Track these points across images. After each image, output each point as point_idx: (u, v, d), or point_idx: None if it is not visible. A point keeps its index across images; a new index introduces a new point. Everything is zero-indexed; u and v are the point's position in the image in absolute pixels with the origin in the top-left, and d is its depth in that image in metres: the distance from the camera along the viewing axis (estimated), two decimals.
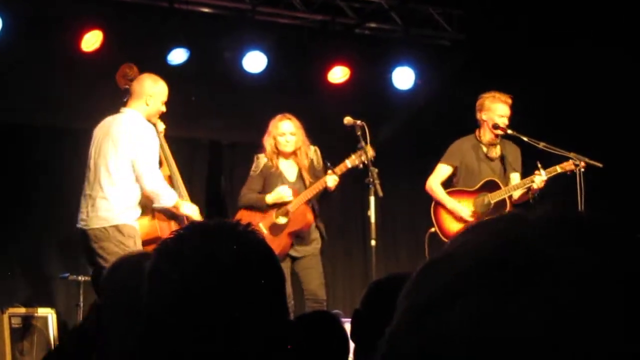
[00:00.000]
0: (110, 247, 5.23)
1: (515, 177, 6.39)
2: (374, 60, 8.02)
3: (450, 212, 6.37)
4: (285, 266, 6.14)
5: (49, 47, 6.70)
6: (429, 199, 6.50)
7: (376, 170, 5.99)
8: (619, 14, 7.17)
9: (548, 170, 6.14)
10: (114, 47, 6.80)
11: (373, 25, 8.20)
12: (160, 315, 1.40)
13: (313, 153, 6.39)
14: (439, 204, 6.42)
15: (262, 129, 6.52)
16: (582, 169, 6.06)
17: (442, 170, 6.47)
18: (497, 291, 0.61)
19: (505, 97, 6.31)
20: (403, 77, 7.93)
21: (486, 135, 6.38)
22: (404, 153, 8.06)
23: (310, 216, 6.28)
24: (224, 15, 7.67)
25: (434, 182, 6.45)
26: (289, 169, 6.37)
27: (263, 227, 6.17)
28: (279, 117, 6.32)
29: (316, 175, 6.34)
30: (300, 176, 6.36)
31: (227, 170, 7.96)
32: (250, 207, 6.33)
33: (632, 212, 6.69)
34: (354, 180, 6.50)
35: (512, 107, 6.39)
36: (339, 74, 7.89)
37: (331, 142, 6.65)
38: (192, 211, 5.57)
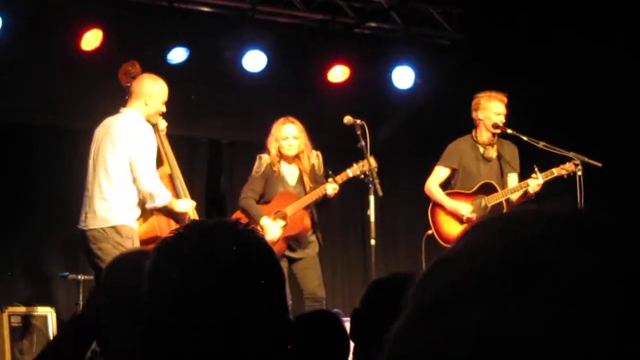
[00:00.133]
0: (108, 248, 5.23)
1: (512, 178, 6.38)
2: (374, 60, 8.02)
3: (450, 213, 6.36)
4: (283, 267, 6.14)
5: (49, 46, 6.70)
6: (428, 198, 6.50)
7: (376, 169, 6.00)
8: (618, 13, 7.17)
9: (544, 173, 6.14)
10: (114, 46, 6.80)
11: (373, 24, 8.20)
12: (160, 315, 1.40)
13: (315, 157, 6.38)
14: (436, 206, 6.42)
15: (262, 128, 6.51)
16: (579, 172, 6.05)
17: (440, 173, 6.47)
18: (499, 291, 0.62)
19: (501, 95, 6.31)
20: (403, 77, 7.93)
21: (483, 135, 6.38)
22: (404, 152, 8.06)
23: (307, 222, 6.28)
24: (223, 14, 7.67)
25: (432, 184, 6.45)
26: (290, 172, 6.37)
27: (260, 229, 6.16)
28: (282, 120, 6.30)
29: (317, 180, 6.34)
30: (300, 180, 6.36)
31: (227, 169, 7.96)
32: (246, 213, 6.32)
33: (632, 211, 6.68)
34: (353, 179, 6.50)
35: (511, 107, 6.40)
36: (338, 73, 7.89)
37: (331, 142, 6.66)
38: (186, 207, 5.56)
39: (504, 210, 6.21)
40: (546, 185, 6.18)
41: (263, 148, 6.41)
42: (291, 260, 6.32)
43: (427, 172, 6.54)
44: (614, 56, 7.17)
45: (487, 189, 6.30)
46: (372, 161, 6.03)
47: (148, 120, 5.59)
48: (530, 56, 7.65)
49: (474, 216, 6.25)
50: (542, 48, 7.60)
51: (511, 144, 6.47)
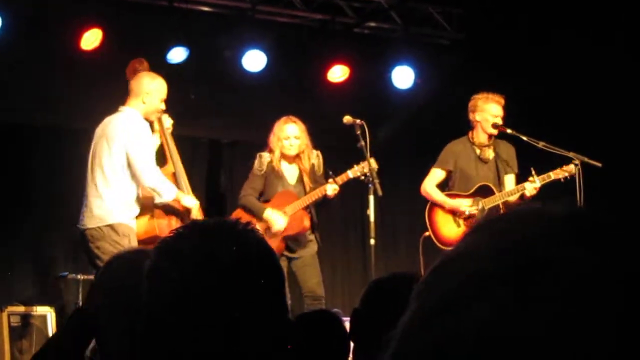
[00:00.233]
0: (105, 246, 5.25)
1: (509, 179, 6.38)
2: (374, 60, 8.02)
3: (448, 213, 6.36)
4: (282, 266, 6.13)
5: (49, 46, 6.70)
6: (442, 188, 6.48)
7: (376, 169, 6.00)
8: (618, 13, 7.17)
9: (541, 176, 6.14)
10: (114, 46, 6.80)
11: (372, 24, 8.20)
12: (160, 314, 1.40)
13: (315, 157, 6.39)
14: (433, 207, 6.42)
15: (262, 128, 6.52)
16: (576, 176, 6.05)
17: (436, 174, 6.47)
18: (500, 291, 0.62)
19: (498, 97, 6.31)
20: (402, 76, 7.93)
21: (479, 136, 6.37)
22: (404, 152, 8.06)
23: (307, 222, 6.28)
24: (223, 14, 7.67)
25: (429, 185, 6.44)
26: (290, 171, 6.37)
27: (259, 228, 6.15)
28: (284, 119, 6.30)
29: (316, 180, 6.34)
30: (300, 179, 6.36)
31: (227, 168, 7.96)
32: (247, 210, 6.33)
33: (632, 211, 6.68)
34: (353, 179, 6.50)
35: (511, 106, 6.40)
36: (338, 73, 7.89)
37: (330, 142, 6.66)
38: (192, 204, 5.56)
39: (501, 212, 6.20)
40: (546, 185, 6.18)
41: (264, 147, 6.41)
42: (290, 259, 6.32)
43: (427, 172, 6.54)
44: (614, 56, 7.17)
45: (484, 191, 6.30)
46: (373, 162, 6.04)
47: (147, 118, 5.59)
48: (530, 56, 7.65)
49: (475, 210, 6.25)
50: (542, 48, 7.60)
51: (508, 144, 6.46)
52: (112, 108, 5.63)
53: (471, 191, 6.33)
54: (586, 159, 6.14)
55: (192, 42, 7.16)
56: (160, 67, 6.18)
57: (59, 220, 6.84)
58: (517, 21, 7.74)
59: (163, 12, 7.29)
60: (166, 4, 7.27)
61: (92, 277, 5.93)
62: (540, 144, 6.25)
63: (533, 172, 6.13)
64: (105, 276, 2.19)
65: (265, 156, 6.35)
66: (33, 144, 7.06)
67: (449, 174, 6.43)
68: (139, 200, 5.46)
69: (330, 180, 6.18)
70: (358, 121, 6.04)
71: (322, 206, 6.41)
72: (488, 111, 6.29)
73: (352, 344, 2.50)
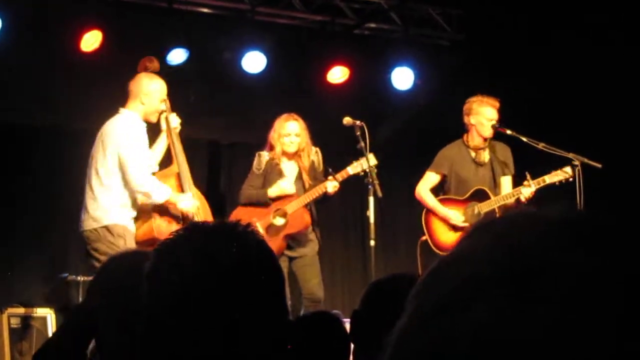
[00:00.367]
0: (102, 248, 5.26)
1: (505, 181, 6.38)
2: (373, 61, 8.02)
3: (442, 220, 6.36)
4: (283, 266, 6.15)
5: (49, 47, 6.70)
6: (438, 192, 6.49)
7: (375, 170, 6.00)
8: (618, 13, 7.17)
9: (536, 180, 6.14)
10: (114, 47, 6.80)
11: (372, 25, 8.20)
12: (160, 317, 1.40)
13: (314, 154, 6.40)
14: (430, 212, 6.42)
15: (262, 129, 6.52)
16: (571, 179, 6.06)
17: (431, 178, 6.47)
18: (497, 294, 0.62)
19: (492, 100, 6.31)
20: (402, 77, 7.93)
21: (474, 139, 6.37)
22: (404, 153, 8.06)
23: (307, 219, 6.29)
24: (223, 16, 7.67)
25: (423, 190, 6.44)
26: (289, 169, 6.38)
27: (260, 227, 6.17)
28: (285, 116, 6.31)
29: (316, 177, 6.35)
30: (299, 177, 6.37)
31: (226, 170, 7.95)
32: (249, 205, 6.32)
33: (631, 212, 6.68)
34: (353, 180, 6.50)
35: (511, 107, 6.40)
36: (338, 74, 7.89)
37: (330, 143, 6.66)
38: (188, 206, 5.54)
39: (497, 216, 6.20)
40: (547, 186, 6.17)
41: (263, 146, 6.41)
42: (291, 259, 6.32)
43: (422, 174, 6.55)
44: (614, 57, 7.17)
45: (480, 195, 6.30)
46: (372, 158, 6.04)
47: (147, 119, 5.58)
48: (530, 57, 7.65)
49: (466, 225, 6.25)
50: (542, 49, 7.60)
51: (504, 145, 6.46)
52: (111, 109, 5.64)
53: (467, 195, 6.33)
54: (586, 160, 6.14)
55: (191, 44, 7.16)
56: (160, 68, 6.17)
57: (59, 221, 6.84)
58: (517, 22, 7.75)
59: (163, 14, 7.29)
60: (166, 5, 7.28)
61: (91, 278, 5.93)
62: (540, 145, 6.25)
63: (528, 177, 6.14)
64: (102, 277, 2.19)
65: (264, 155, 6.35)
66: (32, 144, 7.06)
67: (444, 178, 6.44)
68: (136, 202, 5.46)
69: (330, 177, 6.19)
70: (358, 122, 6.04)
71: (321, 203, 6.41)
72: (483, 114, 6.29)
73: (352, 345, 2.50)
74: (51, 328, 6.24)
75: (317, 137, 6.52)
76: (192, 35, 7.23)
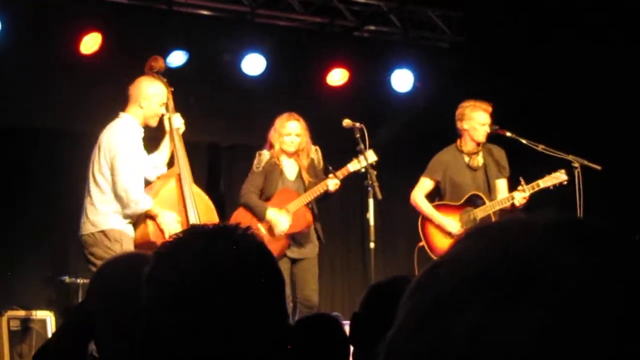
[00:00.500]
0: (98, 252, 5.27)
1: (501, 184, 6.39)
2: (373, 63, 8.02)
3: (438, 227, 6.37)
4: (285, 267, 6.15)
5: (48, 50, 6.70)
6: (434, 197, 6.49)
7: (375, 172, 6.00)
8: (618, 14, 7.17)
9: (530, 185, 6.14)
10: (113, 50, 6.80)
11: (372, 27, 8.20)
12: (159, 319, 1.40)
13: (314, 152, 6.41)
14: (426, 218, 6.43)
15: (261, 131, 6.52)
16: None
17: (425, 184, 6.49)
18: (495, 299, 0.62)
19: (485, 105, 6.32)
20: (402, 80, 7.93)
21: (468, 144, 6.38)
22: (403, 155, 8.05)
23: (309, 217, 6.30)
24: (222, 18, 7.67)
25: (418, 196, 6.45)
26: (289, 167, 6.39)
27: (262, 228, 6.17)
28: (286, 115, 6.32)
29: (316, 174, 6.36)
30: (300, 175, 6.38)
31: (226, 172, 7.95)
32: (249, 209, 6.33)
33: (630, 215, 6.68)
34: (353, 183, 6.50)
35: (510, 109, 6.41)
36: (337, 77, 7.90)
37: (330, 145, 6.65)
38: (168, 224, 5.46)
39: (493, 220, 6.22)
40: (541, 190, 6.17)
41: (265, 144, 6.41)
42: (293, 261, 6.32)
43: (417, 180, 6.56)
44: (614, 60, 7.17)
45: (475, 201, 6.31)
46: (373, 155, 6.05)
47: (147, 123, 5.57)
48: (530, 59, 7.66)
49: (459, 231, 6.26)
50: (542, 51, 7.60)
51: (499, 148, 6.47)
52: (111, 111, 5.63)
53: (462, 201, 6.34)
54: (586, 162, 6.14)
55: (191, 46, 7.15)
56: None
57: (58, 223, 6.83)
58: (517, 24, 7.75)
59: (162, 16, 7.29)
60: (165, 7, 7.28)
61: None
62: (540, 147, 6.26)
63: (522, 182, 6.15)
64: (98, 281, 2.19)
65: (265, 154, 6.35)
66: (32, 146, 7.05)
67: (437, 184, 6.45)
68: None
69: (331, 175, 6.19)
70: (357, 124, 6.04)
71: (322, 201, 6.42)
72: (475, 119, 6.30)
73: (351, 348, 2.50)
74: (51, 330, 6.24)
75: (316, 139, 6.52)
76: (192, 38, 7.23)
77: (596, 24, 7.18)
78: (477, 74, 7.74)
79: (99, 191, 5.40)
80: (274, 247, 5.94)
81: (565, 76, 7.42)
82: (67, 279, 6.56)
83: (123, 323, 1.88)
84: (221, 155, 8.03)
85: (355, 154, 6.14)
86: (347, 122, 6.08)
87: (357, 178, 6.24)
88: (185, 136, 5.88)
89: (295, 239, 6.32)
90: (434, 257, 6.24)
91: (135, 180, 5.41)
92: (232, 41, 7.48)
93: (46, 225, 7.04)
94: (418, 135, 7.96)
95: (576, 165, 6.12)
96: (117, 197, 5.37)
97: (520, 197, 6.13)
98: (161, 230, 5.47)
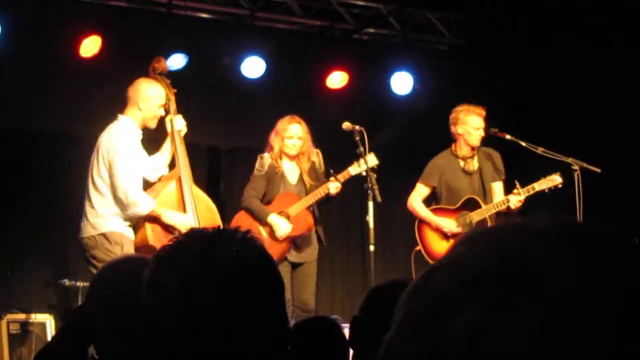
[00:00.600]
0: (99, 255, 5.27)
1: (497, 187, 6.39)
2: (373, 66, 8.02)
3: (435, 230, 6.38)
4: (285, 271, 6.15)
5: (48, 53, 6.70)
6: (430, 202, 6.51)
7: (375, 175, 6.01)
8: (617, 16, 7.17)
9: (526, 188, 6.15)
10: (113, 53, 6.80)
11: (371, 30, 8.21)
12: (159, 323, 1.40)
13: (315, 155, 6.41)
14: (422, 223, 6.44)
15: (261, 134, 6.52)
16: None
17: (421, 190, 6.50)
18: (494, 300, 0.62)
19: (479, 109, 6.32)
20: (401, 82, 7.93)
21: (462, 149, 6.39)
22: (403, 158, 8.05)
23: (310, 220, 6.30)
24: (222, 21, 7.68)
25: (415, 201, 6.47)
26: (291, 170, 6.38)
27: (263, 231, 6.17)
28: (288, 118, 6.31)
29: (317, 177, 6.36)
30: (301, 179, 6.38)
31: (226, 176, 7.95)
32: (251, 213, 6.32)
33: (630, 217, 6.68)
34: (353, 185, 6.51)
35: (510, 112, 6.41)
36: (337, 79, 7.90)
37: (330, 148, 6.65)
38: (178, 221, 5.50)
39: (489, 224, 6.23)
40: (536, 193, 6.18)
41: (266, 147, 6.40)
42: (293, 265, 6.32)
43: (413, 186, 6.57)
44: (613, 62, 7.17)
45: (472, 204, 6.32)
46: (374, 158, 6.06)
47: (145, 125, 5.57)
48: (529, 61, 7.66)
49: (458, 231, 6.27)
50: (541, 54, 7.61)
51: (494, 151, 6.47)
52: (110, 114, 5.63)
53: (458, 205, 6.35)
54: (585, 165, 6.14)
55: (191, 49, 7.15)
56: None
57: (58, 226, 6.83)
58: (516, 27, 7.75)
59: (162, 19, 7.29)
60: (165, 10, 7.28)
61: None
62: (540, 150, 6.26)
63: (517, 185, 6.15)
64: (98, 284, 2.19)
65: (267, 157, 6.34)
66: (32, 149, 7.06)
67: (433, 189, 6.46)
68: None
69: (332, 178, 6.19)
70: (357, 127, 6.04)
71: (323, 204, 6.42)
72: (469, 124, 6.31)
73: (351, 351, 2.50)
74: (50, 334, 6.24)
75: (316, 141, 6.52)
76: (192, 40, 7.23)
77: (595, 27, 7.18)
78: (477, 76, 7.74)
79: (98, 194, 5.40)
80: (275, 251, 5.94)
81: (564, 79, 7.43)
82: (66, 282, 6.56)
83: (123, 326, 1.88)
84: (221, 158, 8.03)
85: (355, 156, 6.14)
86: (346, 125, 6.08)
87: (356, 181, 6.24)
88: (185, 139, 5.88)
89: (295, 242, 6.32)
90: (431, 261, 6.28)
91: (134, 182, 5.40)
92: (232, 44, 7.49)
93: (46, 228, 7.04)
94: (418, 138, 7.95)
95: (576, 168, 6.12)
96: (117, 199, 5.37)
97: (516, 200, 6.13)
98: (167, 230, 5.47)
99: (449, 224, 6.31)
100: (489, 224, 6.24)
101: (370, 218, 5.90)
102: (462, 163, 6.40)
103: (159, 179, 5.75)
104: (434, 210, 6.44)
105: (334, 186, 6.17)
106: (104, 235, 5.34)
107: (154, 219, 5.49)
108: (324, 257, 6.68)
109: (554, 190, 6.12)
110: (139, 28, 7.14)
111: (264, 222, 6.23)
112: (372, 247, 5.94)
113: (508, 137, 6.38)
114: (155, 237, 5.45)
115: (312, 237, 6.39)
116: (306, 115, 6.56)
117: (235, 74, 7.45)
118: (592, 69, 7.20)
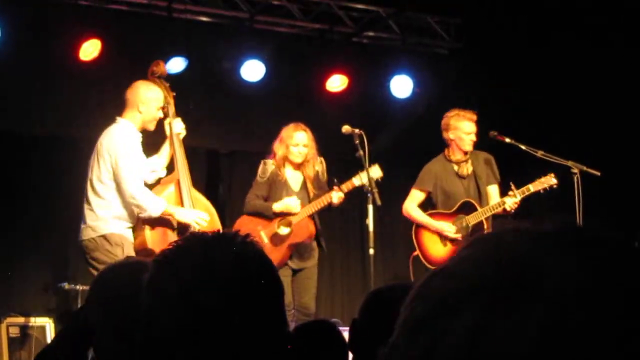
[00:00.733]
0: (100, 257, 5.26)
1: (493, 190, 6.40)
2: (372, 69, 8.03)
3: (433, 234, 6.38)
4: (286, 275, 6.14)
5: (48, 56, 6.71)
6: (428, 206, 6.51)
7: (381, 176, 6.02)
8: (617, 17, 7.18)
9: (521, 190, 6.15)
10: (113, 56, 6.81)
11: (371, 33, 8.21)
12: (159, 326, 1.40)
13: (319, 164, 6.39)
14: (420, 227, 6.44)
15: (261, 137, 6.52)
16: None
17: (416, 195, 6.51)
18: (493, 303, 0.62)
19: (470, 114, 6.33)
20: (401, 86, 7.94)
21: (456, 154, 6.40)
22: (402, 161, 8.06)
23: (312, 228, 6.28)
24: (222, 24, 7.68)
25: (411, 207, 6.47)
26: (294, 178, 6.36)
27: (264, 236, 6.16)
28: (293, 126, 6.28)
29: (320, 186, 6.34)
30: (304, 186, 6.36)
31: (225, 179, 7.95)
32: (255, 214, 6.31)
33: (630, 220, 6.69)
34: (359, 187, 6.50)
35: (509, 115, 6.41)
36: (337, 83, 7.90)
37: (329, 151, 6.66)
38: (188, 217, 5.52)
39: (485, 228, 6.24)
40: (546, 194, 6.17)
41: (267, 153, 6.39)
42: (294, 271, 6.31)
43: (408, 192, 6.57)
44: (613, 64, 7.17)
45: (467, 208, 6.32)
46: (378, 170, 6.05)
47: (145, 128, 5.57)
48: (529, 65, 7.66)
49: (459, 236, 6.28)
50: (541, 57, 7.61)
51: (487, 154, 6.48)
52: (110, 117, 5.63)
53: (454, 209, 6.36)
54: (585, 168, 6.14)
55: (191, 52, 7.16)
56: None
57: (57, 229, 6.83)
58: (516, 29, 7.76)
59: (162, 22, 7.30)
60: (165, 14, 7.29)
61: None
62: (539, 153, 6.26)
63: (512, 187, 6.15)
64: (99, 286, 2.19)
65: (270, 163, 6.32)
66: (32, 152, 7.06)
67: (428, 194, 6.46)
68: (132, 212, 5.44)
69: (336, 187, 6.18)
70: (357, 130, 6.04)
71: (324, 211, 6.41)
72: (461, 129, 6.32)
73: (350, 355, 2.50)
74: (50, 337, 6.23)
75: (316, 144, 6.51)
76: (191, 44, 7.23)
77: (595, 28, 7.18)
78: (476, 79, 7.75)
79: (97, 197, 5.39)
80: (275, 257, 5.93)
81: (564, 82, 7.43)
82: (66, 285, 6.56)
83: (123, 329, 1.88)
84: (220, 161, 8.04)
85: (354, 160, 6.13)
86: (346, 128, 6.08)
87: (352, 176, 6.23)
88: (184, 142, 5.88)
89: (296, 249, 6.32)
90: (429, 266, 6.30)
91: (140, 185, 5.42)
92: (232, 47, 7.49)
93: (45, 231, 7.04)
94: (417, 141, 7.96)
95: (575, 171, 6.12)
96: (127, 203, 5.38)
97: (512, 202, 6.14)
98: (166, 234, 5.48)
99: (448, 227, 6.32)
100: (486, 226, 6.26)
101: (370, 221, 5.90)
102: (456, 167, 6.40)
103: (158, 182, 5.75)
104: (431, 215, 6.45)
105: (336, 196, 6.16)
106: (104, 237, 5.34)
107: (152, 222, 5.49)
108: (323, 260, 6.68)
109: (549, 190, 6.13)
110: (139, 31, 7.15)
111: (271, 214, 6.21)
112: (371, 250, 5.93)
113: (507, 140, 6.38)
114: (153, 241, 5.44)
115: (312, 244, 6.38)
116: (306, 119, 6.56)
117: (235, 77, 7.45)
118: (592, 71, 7.20)
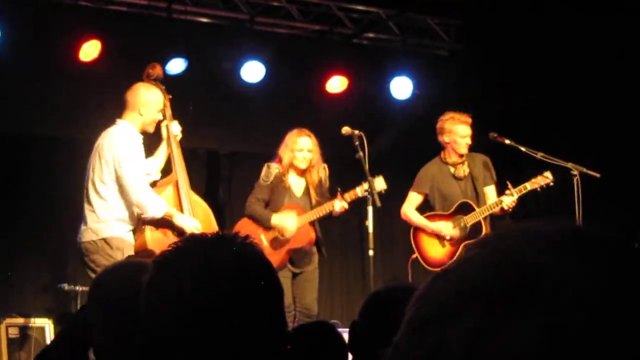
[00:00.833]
0: (100, 260, 5.25)
1: (490, 191, 6.40)
2: (372, 70, 8.03)
3: (432, 236, 6.39)
4: (286, 276, 6.14)
5: (48, 57, 6.71)
6: (426, 209, 6.51)
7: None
8: (618, 20, 7.18)
9: (518, 188, 6.15)
10: (113, 57, 6.81)
11: (371, 35, 8.21)
12: (159, 327, 1.40)
13: (322, 170, 6.38)
14: (418, 229, 6.44)
15: (261, 139, 6.52)
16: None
17: (414, 198, 6.52)
18: (493, 310, 0.63)
19: (465, 117, 6.33)
20: (401, 87, 7.94)
21: (452, 156, 6.41)
22: (402, 163, 8.05)
23: (312, 235, 6.27)
24: (222, 25, 7.69)
25: (408, 210, 6.48)
26: (297, 183, 6.35)
27: (264, 239, 6.15)
28: (297, 131, 6.27)
29: (322, 193, 6.33)
30: (307, 192, 6.34)
31: (225, 180, 7.95)
32: (254, 219, 6.30)
33: (630, 222, 6.69)
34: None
35: (509, 116, 6.41)
36: (337, 84, 7.91)
37: (329, 153, 6.66)
38: (186, 223, 5.52)
39: (483, 228, 6.25)
40: (547, 196, 6.18)
41: (268, 155, 6.38)
42: (294, 275, 6.31)
43: (406, 195, 6.58)
44: (613, 66, 7.18)
45: (465, 209, 6.33)
46: (382, 182, 6.04)
47: (145, 130, 5.57)
48: (529, 66, 7.67)
49: (456, 234, 6.28)
50: (541, 58, 7.61)
51: (483, 156, 6.48)
52: (110, 118, 5.63)
53: (452, 210, 6.37)
54: (585, 170, 6.14)
55: (190, 53, 7.16)
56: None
57: (56, 230, 6.83)
58: (516, 31, 7.76)
59: (162, 24, 7.30)
60: (165, 15, 7.29)
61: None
62: (539, 155, 6.26)
63: (509, 185, 6.16)
64: (99, 288, 2.19)
65: (274, 167, 6.30)
66: (32, 154, 7.06)
67: (426, 197, 6.47)
68: (133, 214, 5.44)
69: (339, 197, 6.16)
70: (357, 132, 6.03)
71: (324, 218, 6.40)
72: (456, 132, 6.32)
73: (350, 356, 2.50)
74: (49, 338, 6.23)
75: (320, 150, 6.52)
76: (191, 45, 7.24)
77: (595, 28, 7.19)
78: (476, 81, 7.75)
79: (100, 198, 5.38)
80: (274, 260, 5.92)
81: (564, 83, 7.43)
82: (65, 286, 6.56)
83: (122, 330, 1.88)
84: (220, 162, 8.04)
85: (354, 161, 6.12)
86: (346, 130, 6.08)
87: (356, 185, 6.23)
88: (184, 143, 5.88)
89: (296, 255, 6.31)
90: (428, 268, 6.30)
91: (144, 187, 5.42)
92: (232, 49, 7.49)
93: (45, 231, 7.04)
94: (417, 143, 7.96)
95: (575, 173, 6.12)
96: (129, 205, 5.37)
97: (509, 201, 6.14)
98: (166, 235, 5.47)
99: (446, 227, 6.32)
100: (484, 226, 6.26)
101: (369, 223, 5.90)
102: (452, 169, 6.41)
103: (153, 185, 5.74)
104: (429, 217, 6.45)
105: (339, 205, 6.14)
106: (105, 240, 5.33)
107: (152, 222, 5.49)
108: (323, 261, 6.67)
109: (546, 188, 6.13)
110: (139, 33, 7.15)
111: (268, 226, 6.21)
112: (371, 252, 5.93)
113: (507, 141, 6.38)
114: (154, 241, 5.44)
115: (312, 250, 6.38)
116: (306, 120, 6.56)
117: (235, 78, 7.45)
118: (592, 72, 7.20)
